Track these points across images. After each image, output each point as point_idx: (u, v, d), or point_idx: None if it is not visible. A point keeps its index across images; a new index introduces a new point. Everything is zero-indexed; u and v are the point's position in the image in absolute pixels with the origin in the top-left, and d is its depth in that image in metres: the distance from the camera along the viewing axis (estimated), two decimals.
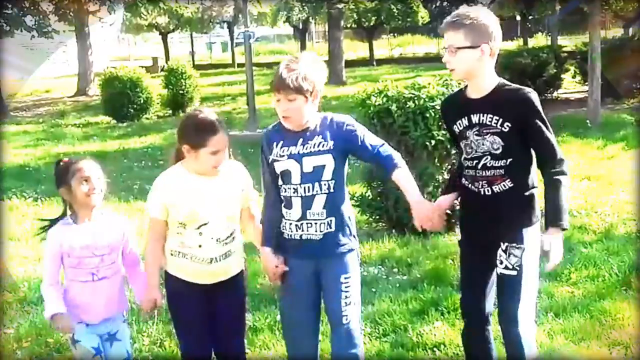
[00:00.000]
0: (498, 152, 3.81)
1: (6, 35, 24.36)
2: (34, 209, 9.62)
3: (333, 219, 4.03)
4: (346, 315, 4.07)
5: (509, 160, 3.81)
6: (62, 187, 4.13)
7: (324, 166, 3.97)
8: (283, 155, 4.01)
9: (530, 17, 36.51)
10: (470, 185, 3.96)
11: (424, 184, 7.60)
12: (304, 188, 3.98)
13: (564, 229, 3.75)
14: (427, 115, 7.54)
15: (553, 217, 3.72)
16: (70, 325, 4.05)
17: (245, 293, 4.49)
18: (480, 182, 3.89)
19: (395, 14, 34.98)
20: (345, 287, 4.07)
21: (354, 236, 4.18)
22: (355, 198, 7.90)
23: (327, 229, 4.03)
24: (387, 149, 4.06)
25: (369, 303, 5.94)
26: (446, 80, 7.83)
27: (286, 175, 4.02)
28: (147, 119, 20.43)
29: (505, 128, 3.77)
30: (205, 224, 4.10)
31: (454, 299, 5.70)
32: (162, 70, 28.38)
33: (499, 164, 3.82)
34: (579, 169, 10.99)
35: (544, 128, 3.77)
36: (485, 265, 4.03)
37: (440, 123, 7.44)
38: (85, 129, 19.44)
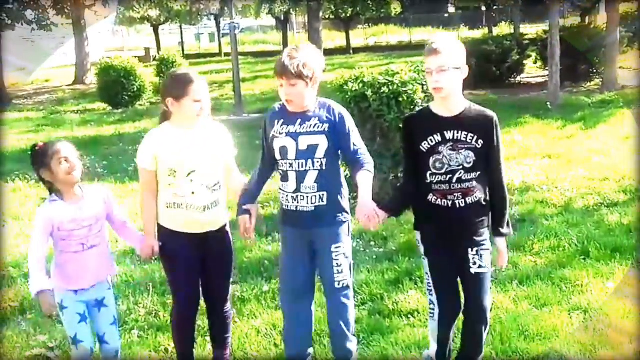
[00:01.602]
0: (470, 165, 3.90)
1: (7, 28, 24.10)
2: (36, 191, 9.51)
3: (325, 193, 4.10)
4: (338, 281, 4.16)
5: (477, 173, 3.93)
6: (42, 170, 4.09)
7: (317, 145, 4.06)
8: (282, 133, 4.10)
9: (494, 7, 36.50)
10: (439, 201, 3.95)
11: (396, 163, 7.58)
12: (299, 163, 4.08)
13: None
14: (400, 99, 7.55)
15: (507, 229, 4.09)
16: (54, 304, 4.00)
17: (231, 244, 4.49)
18: (455, 195, 3.92)
19: (370, 5, 34.94)
20: (336, 255, 4.14)
21: (346, 211, 4.24)
22: None
23: (319, 202, 4.10)
24: (364, 155, 4.14)
25: None
26: (417, 66, 7.84)
27: (283, 151, 4.10)
28: (141, 105, 20.21)
29: (478, 145, 3.89)
30: (194, 171, 4.15)
31: None
32: (154, 59, 28.17)
33: (470, 177, 3.92)
34: (540, 147, 11.02)
35: (500, 152, 3.99)
36: (455, 271, 4.07)
37: (412, 106, 7.43)
38: (82, 115, 19.20)
